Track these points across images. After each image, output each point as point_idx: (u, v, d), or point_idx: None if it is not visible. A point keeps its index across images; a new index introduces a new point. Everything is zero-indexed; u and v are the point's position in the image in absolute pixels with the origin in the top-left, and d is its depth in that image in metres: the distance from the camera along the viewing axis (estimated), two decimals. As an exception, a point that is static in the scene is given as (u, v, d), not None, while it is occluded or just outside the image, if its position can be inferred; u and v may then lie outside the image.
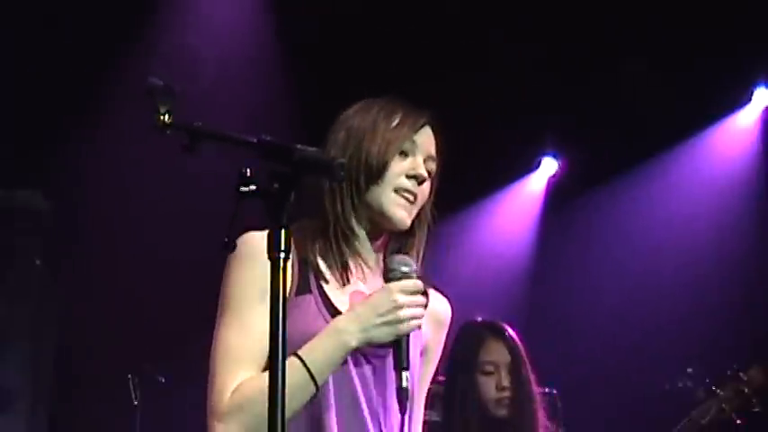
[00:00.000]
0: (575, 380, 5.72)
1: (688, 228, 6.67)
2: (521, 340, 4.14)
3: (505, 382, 3.99)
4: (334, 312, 2.35)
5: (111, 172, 6.07)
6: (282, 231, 1.94)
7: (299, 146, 1.97)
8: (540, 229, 7.34)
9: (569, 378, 5.65)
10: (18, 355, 6.65)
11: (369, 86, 6.47)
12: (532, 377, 4.08)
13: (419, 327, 2.36)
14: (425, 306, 2.37)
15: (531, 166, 7.35)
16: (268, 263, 2.06)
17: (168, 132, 2.27)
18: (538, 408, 4.02)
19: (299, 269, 2.38)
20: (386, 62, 6.31)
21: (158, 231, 6.02)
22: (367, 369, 2.36)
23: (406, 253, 2.47)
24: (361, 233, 2.46)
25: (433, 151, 2.51)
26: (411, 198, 2.45)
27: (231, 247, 2.09)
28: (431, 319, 2.50)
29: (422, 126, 2.49)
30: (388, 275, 2.35)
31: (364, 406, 2.34)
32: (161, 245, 6.03)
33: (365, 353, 2.35)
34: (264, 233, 2.14)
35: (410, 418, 2.40)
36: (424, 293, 2.38)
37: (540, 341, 6.56)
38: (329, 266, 2.41)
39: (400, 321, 2.29)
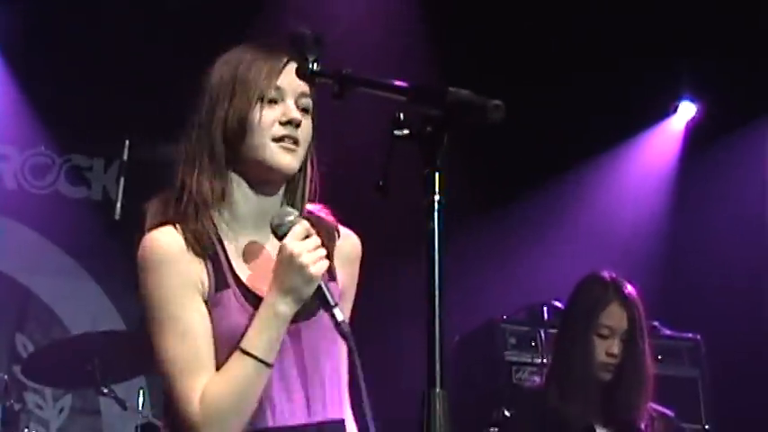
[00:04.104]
0: (717, 325, 5.64)
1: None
2: (642, 301, 4.06)
3: (615, 350, 3.93)
4: (256, 301, 2.36)
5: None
6: (437, 174, 1.94)
7: (451, 88, 1.96)
8: (678, 176, 7.22)
9: (711, 323, 5.58)
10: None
11: (502, 31, 6.46)
12: (648, 350, 4.00)
13: (330, 265, 2.38)
14: (330, 240, 2.45)
15: (669, 110, 7.22)
16: (181, 259, 2.31)
17: (317, 81, 2.31)
18: (646, 382, 3.95)
19: (213, 266, 2.37)
20: (519, 4, 6.27)
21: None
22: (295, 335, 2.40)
23: (292, 203, 2.45)
24: (242, 194, 2.43)
25: (303, 88, 2.43)
26: (292, 144, 2.40)
27: (385, 191, 2.09)
28: (339, 260, 2.51)
29: (283, 68, 2.43)
30: (278, 233, 2.33)
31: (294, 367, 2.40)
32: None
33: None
34: (164, 229, 2.34)
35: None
36: (335, 230, 2.50)
37: (679, 289, 6.51)
38: (238, 254, 2.41)
39: (308, 268, 2.29)
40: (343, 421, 2.48)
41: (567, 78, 6.43)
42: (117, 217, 5.34)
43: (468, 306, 5.32)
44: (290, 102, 2.42)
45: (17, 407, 5.22)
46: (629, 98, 6.57)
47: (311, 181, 2.50)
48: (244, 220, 2.44)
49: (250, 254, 2.43)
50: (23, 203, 6.71)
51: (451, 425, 1.90)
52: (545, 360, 4.82)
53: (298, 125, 2.41)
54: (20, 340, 6.47)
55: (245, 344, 2.31)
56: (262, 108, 2.39)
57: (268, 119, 2.39)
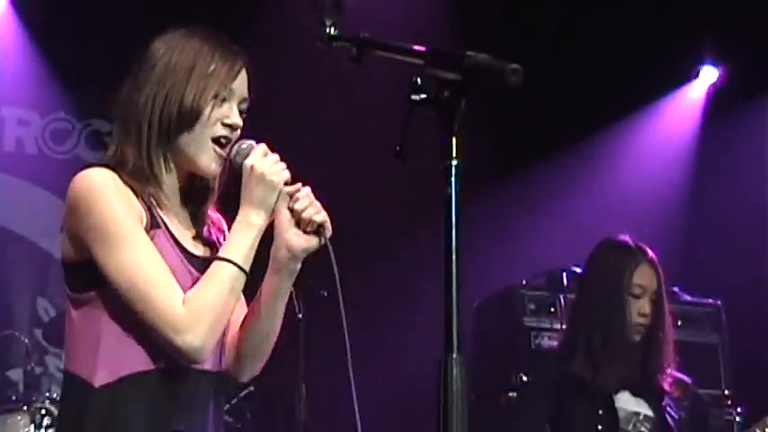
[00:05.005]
0: (737, 292, 5.63)
1: None
2: (663, 267, 4.05)
3: (647, 309, 3.92)
4: (181, 249, 2.45)
5: (273, 87, 6.13)
6: (454, 139, 1.93)
7: (469, 52, 1.95)
8: (699, 141, 7.18)
9: (731, 290, 5.56)
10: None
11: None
12: (668, 311, 4.00)
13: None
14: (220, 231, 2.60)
15: (690, 74, 7.18)
16: (123, 191, 2.36)
17: (334, 44, 2.31)
18: (670, 343, 3.95)
19: (146, 205, 2.43)
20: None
21: (326, 146, 6.03)
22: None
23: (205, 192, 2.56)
24: (170, 178, 2.50)
25: (246, 93, 2.53)
26: (225, 147, 2.48)
27: (403, 156, 2.09)
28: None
29: (239, 71, 2.51)
30: (238, 161, 2.45)
31: None
32: (329, 160, 6.06)
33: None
34: (100, 168, 2.37)
35: None
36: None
37: (700, 253, 6.50)
38: (162, 206, 2.48)
39: (270, 176, 2.42)
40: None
41: (587, 44, 6.40)
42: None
43: (487, 271, 5.33)
44: (234, 105, 2.50)
45: (38, 370, 5.27)
46: (651, 63, 6.54)
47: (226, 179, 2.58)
48: (165, 197, 2.49)
49: (172, 217, 2.50)
50: (44, 168, 6.74)
51: (468, 390, 1.90)
52: (564, 326, 4.81)
53: (236, 129, 2.49)
54: (41, 304, 6.52)
55: (222, 253, 2.41)
56: (213, 105, 2.46)
57: (215, 116, 2.46)
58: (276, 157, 2.44)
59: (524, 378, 4.76)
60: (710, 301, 5.33)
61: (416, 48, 2.08)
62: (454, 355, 1.89)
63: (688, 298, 5.27)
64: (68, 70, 6.46)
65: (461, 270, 1.93)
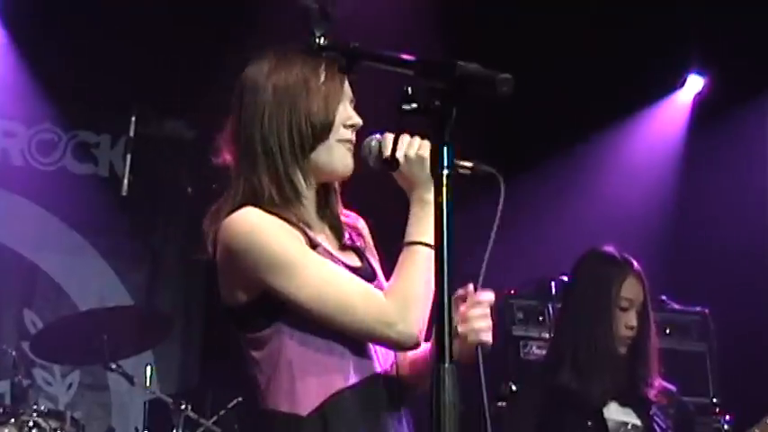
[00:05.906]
0: (724, 300, 5.64)
1: None
2: (650, 275, 4.06)
3: (634, 322, 3.92)
4: (341, 264, 2.45)
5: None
6: (446, 148, 1.94)
7: (459, 62, 1.95)
8: (685, 149, 7.19)
9: (719, 298, 5.57)
10: (172, 282, 6.87)
11: (511, 3, 6.41)
12: (653, 321, 4.01)
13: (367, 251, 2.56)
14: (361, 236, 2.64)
15: (676, 83, 7.20)
16: (281, 222, 2.36)
17: (324, 55, 2.32)
18: (654, 354, 3.96)
19: (298, 228, 2.43)
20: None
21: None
22: None
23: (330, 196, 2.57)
24: (310, 193, 2.51)
25: (351, 93, 2.55)
26: (351, 146, 2.50)
27: (395, 164, 2.09)
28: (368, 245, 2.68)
29: (343, 74, 2.51)
30: (373, 155, 2.43)
31: None
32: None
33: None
34: (249, 207, 2.35)
35: None
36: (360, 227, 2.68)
37: (687, 263, 6.51)
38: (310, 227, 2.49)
39: (416, 153, 2.37)
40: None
41: (573, 53, 6.41)
42: (124, 193, 5.35)
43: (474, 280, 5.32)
44: (348, 105, 2.52)
45: (26, 383, 5.25)
46: (637, 72, 6.55)
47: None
48: (309, 216, 2.50)
49: (319, 233, 2.51)
50: (30, 180, 6.73)
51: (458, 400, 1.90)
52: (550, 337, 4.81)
53: (357, 128, 2.52)
54: (28, 316, 6.50)
55: (407, 238, 2.41)
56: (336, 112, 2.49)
57: (338, 121, 2.49)
58: (406, 136, 2.41)
59: (513, 388, 4.75)
60: (698, 308, 5.33)
61: (406, 57, 2.08)
62: (446, 365, 1.89)
63: (675, 306, 5.28)
64: (55, 81, 6.44)
65: (453, 281, 1.94)
